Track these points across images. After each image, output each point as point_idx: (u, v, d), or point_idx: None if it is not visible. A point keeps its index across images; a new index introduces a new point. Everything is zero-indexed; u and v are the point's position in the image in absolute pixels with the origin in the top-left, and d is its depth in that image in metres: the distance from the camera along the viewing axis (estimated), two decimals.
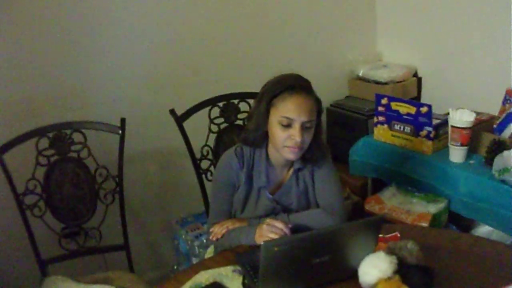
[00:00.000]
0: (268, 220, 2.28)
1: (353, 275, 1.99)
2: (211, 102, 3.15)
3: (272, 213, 2.47)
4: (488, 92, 3.80)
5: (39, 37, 3.21)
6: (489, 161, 3.11)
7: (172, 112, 3.01)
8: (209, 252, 2.89)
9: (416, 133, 3.43)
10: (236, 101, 3.20)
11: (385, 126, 3.60)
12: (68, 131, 2.91)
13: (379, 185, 3.84)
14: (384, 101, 3.55)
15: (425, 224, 3.26)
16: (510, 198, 2.95)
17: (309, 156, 2.43)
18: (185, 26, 3.72)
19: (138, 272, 3.19)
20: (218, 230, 2.43)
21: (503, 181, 2.99)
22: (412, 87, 4.46)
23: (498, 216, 3.03)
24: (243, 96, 3.20)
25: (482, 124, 3.45)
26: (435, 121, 3.38)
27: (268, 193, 2.48)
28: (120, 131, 2.97)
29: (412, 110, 3.40)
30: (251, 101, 3.00)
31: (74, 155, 2.94)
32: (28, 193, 2.86)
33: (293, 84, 2.29)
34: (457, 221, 3.46)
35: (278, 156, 2.41)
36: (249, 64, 4.04)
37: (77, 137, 2.93)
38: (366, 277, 1.95)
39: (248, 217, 2.49)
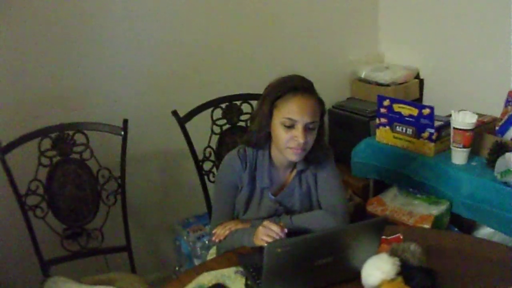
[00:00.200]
0: (265, 223, 2.26)
1: (356, 276, 1.99)
2: (213, 104, 3.15)
3: (275, 215, 2.47)
4: (490, 93, 3.80)
5: (41, 38, 3.22)
6: (491, 163, 3.11)
7: (175, 113, 3.01)
8: (211, 254, 2.89)
9: (418, 135, 3.43)
10: (238, 103, 3.20)
11: (387, 127, 3.60)
12: (71, 132, 2.91)
13: (381, 187, 3.83)
14: (386, 102, 3.55)
15: (427, 226, 3.26)
16: None
17: (312, 157, 2.44)
18: (188, 27, 3.72)
19: (140, 273, 3.18)
20: (220, 232, 2.43)
21: (505, 183, 2.99)
22: (414, 88, 4.46)
23: (500, 218, 3.02)
24: (245, 98, 3.20)
25: (484, 126, 3.45)
26: (437, 123, 3.38)
27: (271, 194, 2.48)
28: (123, 132, 2.97)
29: (414, 112, 3.40)
30: (254, 103, 3.01)
31: (77, 156, 2.94)
32: (30, 194, 2.86)
33: (296, 85, 2.29)
34: (459, 222, 3.45)
35: (281, 157, 2.41)
36: (252, 65, 4.04)
37: (79, 138, 2.93)
38: (369, 278, 1.95)
39: (251, 218, 2.49)
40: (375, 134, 3.75)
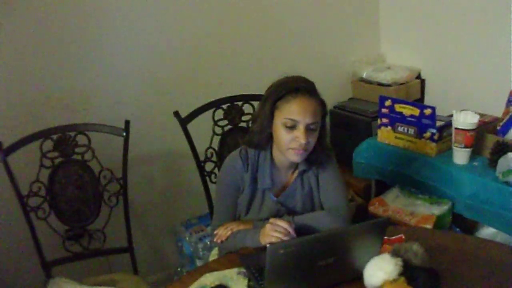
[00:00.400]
0: (272, 220, 2.27)
1: (359, 277, 1.99)
2: (215, 104, 3.15)
3: (277, 215, 2.45)
4: (492, 93, 3.80)
5: (43, 39, 3.22)
6: (493, 163, 3.11)
7: (176, 114, 3.01)
8: (213, 254, 2.89)
9: (419, 135, 3.43)
10: (240, 103, 3.20)
11: (389, 128, 3.60)
12: (72, 133, 2.92)
13: (382, 187, 3.83)
14: (387, 103, 3.55)
15: (429, 226, 3.25)
16: None
17: (313, 158, 2.44)
18: (189, 28, 3.73)
19: (142, 274, 3.19)
20: (222, 233, 2.43)
21: (507, 183, 2.98)
22: (415, 89, 4.46)
23: (502, 218, 3.02)
24: (247, 98, 3.20)
25: (486, 126, 3.44)
26: (438, 123, 3.38)
27: (273, 195, 2.49)
28: (125, 133, 2.98)
29: (416, 112, 3.40)
30: (255, 103, 3.01)
31: (78, 157, 2.95)
32: (32, 195, 2.86)
33: (297, 86, 2.30)
34: (461, 223, 3.45)
35: (283, 158, 2.42)
36: (253, 66, 4.05)
37: (81, 139, 2.94)
38: (371, 279, 1.95)
39: (253, 219, 2.49)
40: (376, 134, 3.75)
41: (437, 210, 3.35)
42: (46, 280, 2.85)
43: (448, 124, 3.38)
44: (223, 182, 2.53)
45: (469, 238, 2.62)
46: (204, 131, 3.11)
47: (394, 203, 3.56)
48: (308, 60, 4.32)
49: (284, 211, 2.49)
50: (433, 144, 3.39)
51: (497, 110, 3.55)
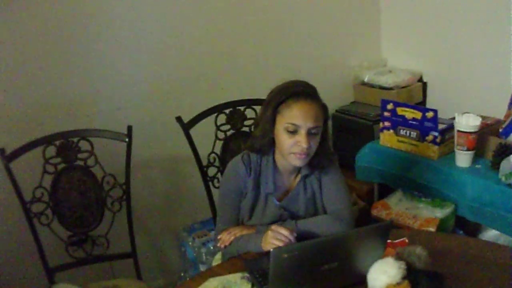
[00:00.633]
0: (273, 227, 2.27)
1: (362, 281, 1.99)
2: (217, 109, 3.15)
3: (280, 220, 2.47)
4: (494, 96, 3.80)
5: (46, 44, 3.23)
6: (496, 165, 3.11)
7: (179, 119, 3.01)
8: (217, 259, 2.89)
9: (422, 138, 3.43)
10: (242, 108, 3.20)
11: (391, 131, 3.59)
12: (75, 139, 2.92)
13: (385, 191, 3.83)
14: (389, 106, 3.55)
15: (432, 229, 3.25)
16: None
17: (316, 162, 2.44)
18: (192, 33, 3.73)
19: (146, 279, 3.19)
20: (226, 237, 2.43)
21: (510, 185, 2.98)
22: (417, 92, 4.46)
23: (505, 221, 3.02)
24: (249, 103, 3.20)
25: (488, 128, 3.44)
26: (441, 126, 3.38)
27: (276, 199, 2.49)
28: (127, 139, 2.98)
29: (418, 115, 3.40)
30: (257, 108, 3.02)
31: (81, 163, 2.95)
32: (35, 201, 2.87)
33: (299, 91, 2.30)
34: (464, 225, 3.45)
35: (285, 162, 2.42)
36: (255, 70, 4.05)
37: (84, 145, 2.94)
38: (375, 282, 1.95)
39: (256, 224, 2.49)
40: (379, 138, 3.75)
41: (440, 213, 3.35)
42: (49, 286, 2.86)
43: (450, 127, 3.38)
44: (226, 187, 2.54)
45: (472, 241, 2.62)
46: (207, 136, 3.12)
47: (397, 207, 3.56)
48: (310, 64, 4.33)
49: (287, 216, 2.49)
50: (436, 147, 3.38)
51: (499, 112, 3.55)
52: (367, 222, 3.58)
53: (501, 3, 3.75)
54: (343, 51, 4.64)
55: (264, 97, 2.44)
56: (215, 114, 3.15)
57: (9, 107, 3.18)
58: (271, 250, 1.80)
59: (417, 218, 3.38)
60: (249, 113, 3.20)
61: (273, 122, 2.35)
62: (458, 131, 3.22)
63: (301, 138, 2.26)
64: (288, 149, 2.31)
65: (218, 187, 3.00)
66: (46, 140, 2.87)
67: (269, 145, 2.43)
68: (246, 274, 2.17)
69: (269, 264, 1.82)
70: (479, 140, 3.25)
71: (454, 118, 3.28)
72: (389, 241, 2.16)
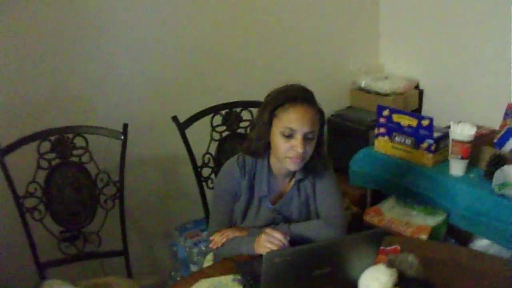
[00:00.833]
0: (267, 230, 2.28)
1: (354, 287, 1.99)
2: (213, 110, 3.16)
3: (273, 223, 2.47)
4: (489, 106, 3.81)
5: (42, 40, 3.22)
6: (489, 175, 3.12)
7: (175, 119, 3.01)
8: (208, 260, 2.89)
9: (416, 145, 3.44)
10: (238, 110, 3.20)
11: (386, 137, 3.60)
12: (70, 135, 2.92)
13: (378, 197, 3.84)
14: (385, 112, 3.55)
15: (424, 237, 3.26)
16: (510, 212, 2.96)
17: (310, 167, 2.44)
18: (189, 33, 3.73)
19: (136, 277, 3.19)
20: (218, 239, 2.43)
21: (503, 196, 2.99)
22: (413, 99, 4.47)
23: (497, 230, 3.03)
24: (245, 105, 3.20)
25: (483, 138, 3.46)
26: (436, 134, 3.39)
27: (269, 203, 2.49)
28: (122, 137, 2.98)
29: (414, 122, 3.40)
30: (254, 110, 3.02)
31: (76, 159, 2.94)
32: (29, 196, 2.86)
33: (295, 95, 2.30)
34: (456, 233, 3.46)
35: (280, 166, 2.42)
36: (252, 73, 4.06)
37: (79, 141, 2.93)
38: None
39: (249, 226, 2.49)
40: (373, 143, 3.75)
41: (432, 221, 3.36)
42: (39, 282, 2.84)
43: (445, 135, 3.38)
44: (219, 189, 2.54)
45: (463, 250, 2.63)
46: (202, 136, 3.12)
47: (389, 213, 3.57)
48: (307, 68, 4.34)
49: (280, 219, 2.49)
50: (430, 155, 3.39)
51: (494, 122, 3.57)
52: (359, 227, 3.60)
53: (499, 14, 3.77)
54: (341, 55, 4.64)
55: (261, 99, 2.45)
56: (211, 115, 3.15)
57: (5, 101, 3.17)
58: (264, 254, 1.80)
59: (409, 225, 3.39)
60: (245, 114, 3.20)
61: (269, 125, 2.35)
62: (453, 140, 3.23)
63: (297, 143, 2.26)
64: (283, 153, 2.31)
65: (212, 188, 3.01)
66: (41, 136, 2.86)
67: (264, 148, 2.42)
68: (238, 277, 2.17)
69: (261, 267, 1.82)
70: (473, 150, 3.26)
71: (449, 127, 3.29)
72: (381, 248, 2.16)
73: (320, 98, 2.40)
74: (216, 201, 2.55)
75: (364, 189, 4.00)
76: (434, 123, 3.35)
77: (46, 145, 2.88)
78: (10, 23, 3.10)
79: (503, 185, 2.97)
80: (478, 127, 3.36)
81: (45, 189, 2.90)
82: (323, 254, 1.93)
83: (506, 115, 3.47)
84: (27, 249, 2.89)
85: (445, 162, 3.39)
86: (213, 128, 3.15)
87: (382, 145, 3.66)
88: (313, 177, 2.51)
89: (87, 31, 3.34)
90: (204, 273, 2.26)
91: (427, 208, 3.47)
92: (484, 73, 3.97)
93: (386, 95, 4.34)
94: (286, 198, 2.50)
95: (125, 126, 2.99)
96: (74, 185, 2.96)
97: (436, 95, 4.43)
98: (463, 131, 3.19)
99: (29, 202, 2.87)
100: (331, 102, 4.48)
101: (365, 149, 3.85)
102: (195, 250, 3.67)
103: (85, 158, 2.96)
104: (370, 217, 3.59)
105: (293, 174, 2.49)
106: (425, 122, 3.35)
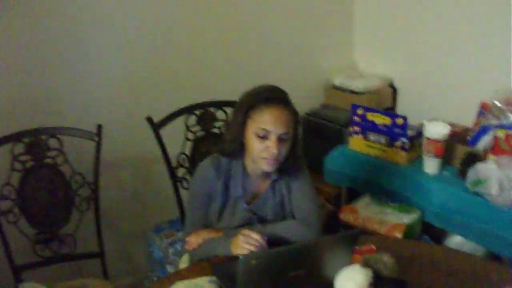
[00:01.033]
0: (244, 231, 2.28)
1: (330, 287, 2.00)
2: (187, 110, 3.16)
3: (248, 224, 2.47)
4: (463, 104, 3.82)
5: (13, 41, 3.18)
6: (463, 173, 3.14)
7: (149, 119, 3.01)
8: (183, 261, 2.88)
9: (391, 143, 3.45)
10: (213, 110, 3.20)
11: (360, 136, 3.61)
12: (44, 137, 2.90)
13: (353, 195, 3.85)
14: (359, 111, 3.56)
15: (398, 235, 3.28)
16: (483, 210, 2.99)
17: (285, 167, 2.45)
18: (163, 33, 3.71)
19: (113, 279, 3.17)
20: (194, 240, 2.43)
21: (476, 193, 3.02)
22: (387, 97, 4.48)
23: (471, 228, 3.06)
24: (220, 105, 3.21)
25: (457, 136, 3.47)
26: (410, 132, 3.40)
27: (245, 203, 2.49)
28: (97, 138, 2.97)
29: (388, 121, 3.42)
30: (228, 110, 3.02)
31: (50, 161, 2.93)
32: (3, 198, 2.84)
33: (270, 96, 2.31)
34: (430, 231, 3.48)
35: (255, 167, 2.42)
36: (227, 72, 4.04)
37: (53, 143, 2.92)
38: None
39: (224, 227, 2.49)
40: (348, 142, 3.76)
41: (407, 218, 3.38)
42: (15, 285, 2.83)
43: (419, 134, 3.41)
44: (194, 190, 2.54)
45: (438, 248, 2.67)
46: (177, 136, 3.12)
47: (365, 211, 3.58)
48: (281, 67, 4.34)
49: (255, 220, 2.49)
50: (404, 153, 3.41)
51: (468, 120, 3.59)
52: (334, 226, 3.62)
53: (472, 14, 3.80)
54: (315, 54, 4.65)
55: (235, 99, 2.46)
56: (186, 115, 3.15)
57: None
58: (240, 257, 1.80)
59: (384, 223, 3.40)
60: (220, 114, 3.20)
61: (243, 126, 2.35)
62: (427, 138, 3.25)
63: (271, 144, 2.27)
64: (258, 154, 2.32)
65: (187, 188, 3.00)
66: (15, 138, 2.85)
67: (239, 149, 2.43)
68: (214, 278, 2.18)
69: (237, 269, 1.82)
70: (447, 148, 3.28)
71: (423, 125, 3.31)
72: (356, 248, 2.17)
73: (294, 96, 2.41)
74: (191, 202, 2.55)
75: (339, 187, 4.02)
76: (408, 122, 3.37)
77: (19, 147, 2.86)
78: None
79: (477, 182, 2.99)
80: (452, 125, 3.39)
81: (19, 192, 2.87)
82: (299, 256, 1.95)
83: (480, 113, 3.49)
84: (2, 252, 2.86)
85: (419, 160, 3.42)
86: (188, 128, 3.15)
87: (356, 143, 3.67)
88: (288, 178, 2.52)
89: (59, 32, 3.31)
90: (180, 275, 2.26)
91: (402, 206, 3.49)
92: (458, 72, 3.99)
93: (361, 93, 4.34)
94: (261, 199, 2.51)
95: (99, 127, 2.98)
96: (48, 187, 2.94)
97: (410, 94, 4.45)
98: (436, 130, 3.21)
99: (3, 205, 2.85)
100: (305, 101, 4.48)
101: (340, 147, 3.86)
102: (171, 250, 3.67)
103: (59, 160, 2.94)
104: (345, 215, 3.60)
105: (268, 174, 2.49)
106: (399, 121, 3.37)
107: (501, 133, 3.15)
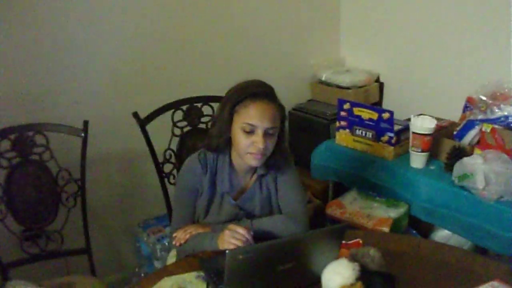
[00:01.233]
0: (230, 226, 2.28)
1: (317, 281, 2.00)
2: (174, 105, 3.15)
3: (235, 219, 2.48)
4: (449, 99, 3.85)
5: None
6: (449, 167, 3.15)
7: (135, 115, 2.99)
8: (172, 256, 2.88)
9: (377, 138, 3.46)
10: (199, 105, 3.20)
11: (347, 131, 3.62)
12: (30, 133, 2.89)
13: (340, 189, 3.86)
14: (346, 106, 3.57)
15: (385, 229, 3.28)
16: (469, 203, 3.00)
17: (272, 162, 2.46)
18: (149, 28, 3.71)
19: (100, 275, 3.17)
20: (181, 236, 2.43)
21: (462, 187, 3.03)
22: (374, 92, 4.50)
23: (457, 221, 3.07)
24: (206, 100, 3.20)
25: (443, 131, 3.48)
26: (396, 127, 3.41)
27: (231, 198, 2.49)
28: (83, 134, 2.96)
29: (374, 116, 3.42)
30: (215, 105, 3.01)
31: (36, 157, 2.92)
32: None
33: (256, 91, 2.31)
34: (417, 225, 3.49)
35: (241, 162, 2.42)
36: (213, 67, 4.05)
37: (39, 139, 2.91)
38: (329, 283, 1.96)
39: (212, 222, 2.49)
40: (335, 136, 3.76)
41: (394, 213, 3.38)
42: (3, 283, 2.82)
43: (406, 128, 3.41)
44: (181, 186, 2.54)
45: (424, 242, 2.66)
46: (163, 132, 3.11)
47: (351, 206, 3.58)
48: (268, 62, 4.34)
49: (242, 215, 2.50)
50: (391, 148, 3.42)
51: (454, 114, 3.60)
52: (321, 220, 3.62)
53: (457, 8, 3.81)
54: (301, 49, 4.65)
55: (221, 94, 2.45)
56: (172, 110, 3.14)
57: None
58: (227, 251, 1.80)
59: (371, 218, 3.40)
60: (206, 109, 3.19)
61: (230, 121, 2.35)
62: (413, 132, 3.26)
63: (258, 139, 2.27)
64: (244, 149, 2.32)
65: (173, 184, 2.99)
66: (1, 134, 2.83)
67: (225, 144, 2.43)
68: (201, 274, 2.18)
69: (225, 264, 1.82)
70: (433, 142, 3.29)
71: (409, 120, 3.32)
72: (343, 242, 2.18)
73: (281, 91, 2.41)
74: (178, 197, 2.55)
75: (326, 182, 4.03)
76: (395, 116, 3.37)
77: (5, 144, 2.85)
78: None
79: (463, 177, 3.00)
80: (438, 120, 3.40)
81: (5, 188, 2.86)
82: (286, 250, 1.95)
83: (466, 107, 3.50)
84: None
85: (405, 155, 3.42)
86: (174, 124, 3.15)
87: (343, 138, 3.68)
88: (275, 173, 2.52)
89: (43, 26, 3.30)
90: (168, 271, 2.25)
91: (389, 200, 3.50)
92: (444, 66, 4.01)
93: (347, 88, 4.36)
94: (248, 194, 2.51)
95: (86, 123, 2.97)
96: (35, 183, 2.93)
97: (396, 88, 4.47)
98: (423, 124, 3.22)
99: None
100: (292, 96, 4.49)
101: (327, 142, 3.86)
102: (158, 246, 3.67)
103: (45, 156, 2.93)
104: (332, 210, 3.60)
105: (254, 169, 2.50)
106: (385, 115, 3.37)
107: (487, 127, 3.16)
